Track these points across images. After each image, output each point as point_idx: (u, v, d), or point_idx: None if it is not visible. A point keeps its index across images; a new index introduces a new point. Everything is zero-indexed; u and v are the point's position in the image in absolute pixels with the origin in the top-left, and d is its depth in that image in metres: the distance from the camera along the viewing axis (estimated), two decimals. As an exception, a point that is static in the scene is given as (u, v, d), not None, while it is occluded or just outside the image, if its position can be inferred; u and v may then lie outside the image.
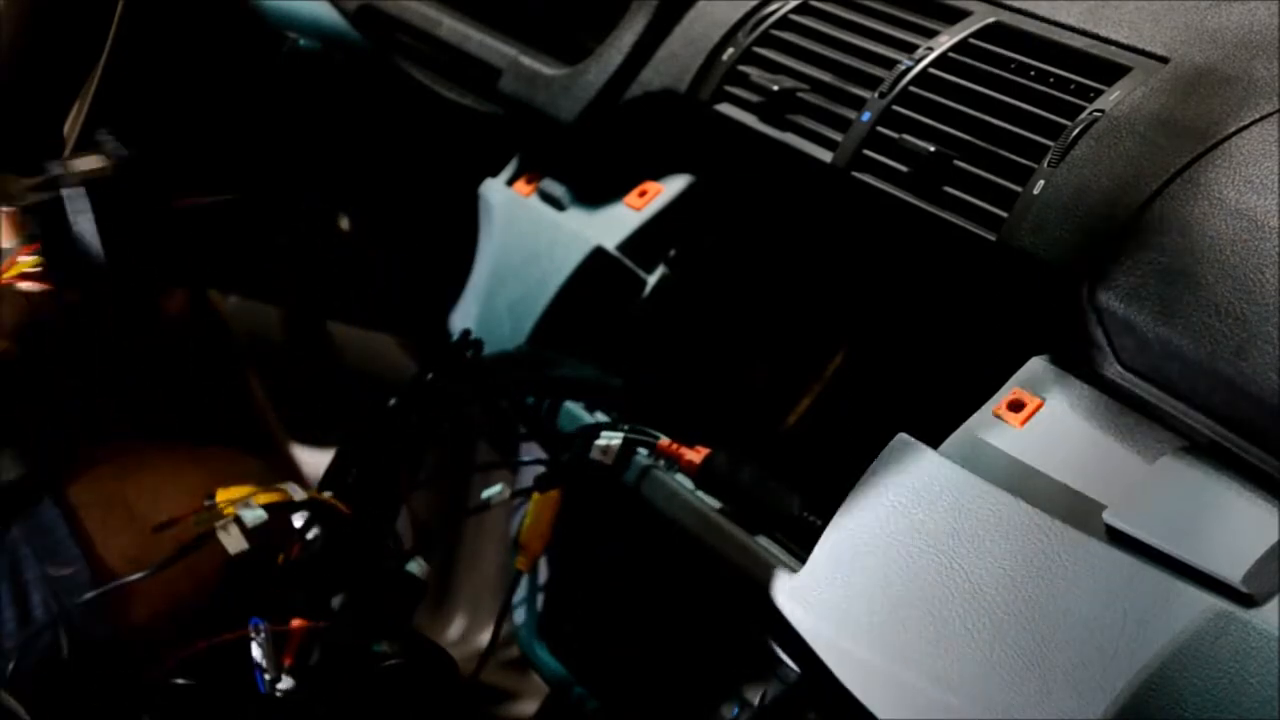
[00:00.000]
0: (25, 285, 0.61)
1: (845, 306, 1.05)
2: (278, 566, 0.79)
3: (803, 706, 0.86)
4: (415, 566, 0.85)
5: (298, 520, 0.82)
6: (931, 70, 0.89)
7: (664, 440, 0.88)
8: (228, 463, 1.14)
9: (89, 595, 0.87)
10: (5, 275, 0.62)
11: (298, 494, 0.81)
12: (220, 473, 1.10)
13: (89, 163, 0.63)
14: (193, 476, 1.05)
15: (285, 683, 0.78)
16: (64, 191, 0.61)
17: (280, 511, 0.81)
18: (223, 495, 0.82)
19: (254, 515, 0.78)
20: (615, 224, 1.06)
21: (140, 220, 0.63)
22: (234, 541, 0.77)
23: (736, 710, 0.92)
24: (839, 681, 0.77)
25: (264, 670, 0.79)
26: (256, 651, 0.78)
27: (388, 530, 0.84)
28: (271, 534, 0.81)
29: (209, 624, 0.80)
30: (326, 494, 0.83)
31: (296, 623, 0.79)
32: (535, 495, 0.93)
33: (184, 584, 0.87)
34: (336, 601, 0.80)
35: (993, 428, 0.77)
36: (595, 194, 1.10)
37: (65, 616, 0.94)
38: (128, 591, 0.92)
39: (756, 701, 0.91)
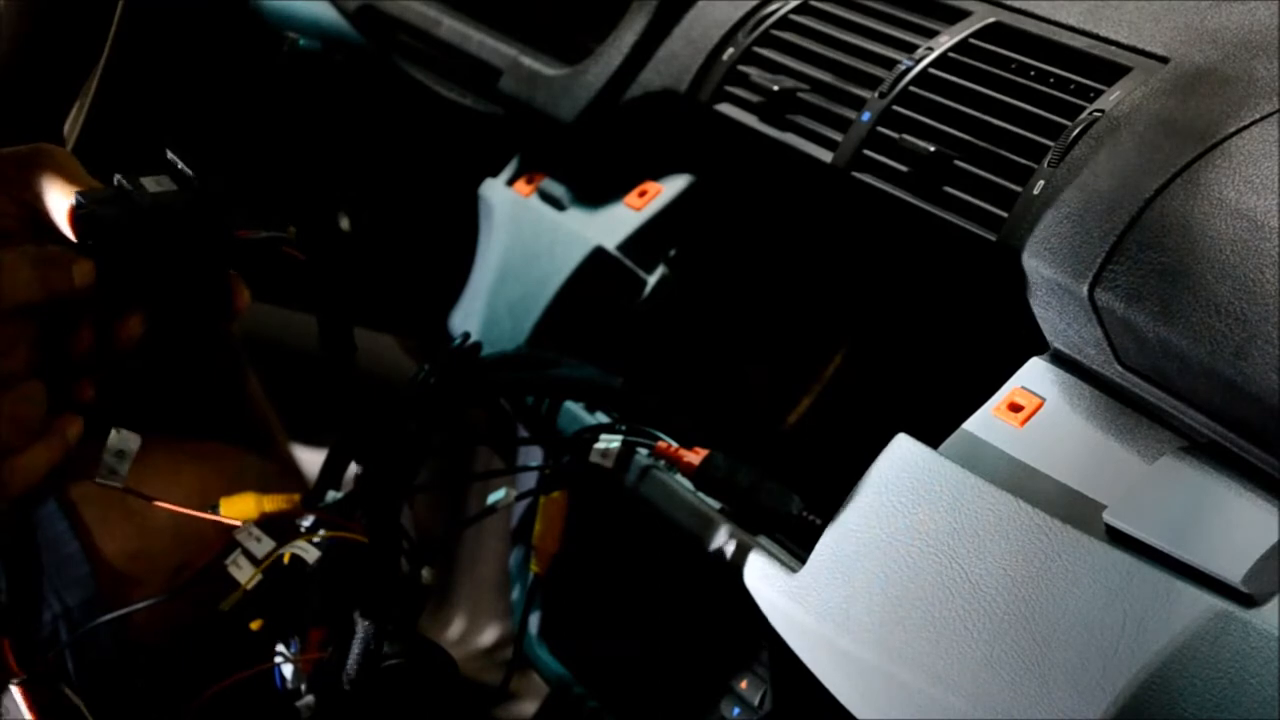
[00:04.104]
0: None
1: (845, 306, 1.05)
2: (287, 572, 0.79)
3: (802, 706, 0.86)
4: (424, 572, 0.85)
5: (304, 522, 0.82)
6: (931, 70, 0.89)
7: (662, 442, 0.88)
8: (227, 460, 1.15)
9: (97, 621, 0.87)
10: None
11: (306, 520, 0.82)
12: (220, 470, 1.11)
13: (159, 183, 0.63)
14: (192, 473, 1.06)
15: (307, 699, 0.79)
16: (127, 208, 0.62)
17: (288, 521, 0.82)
18: (226, 508, 0.82)
19: (263, 549, 0.79)
20: (615, 224, 1.06)
21: (201, 247, 0.64)
22: (244, 574, 0.79)
23: (737, 710, 0.92)
24: (832, 683, 0.78)
25: (288, 688, 0.79)
26: (288, 670, 0.79)
27: (398, 545, 0.84)
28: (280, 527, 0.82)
29: (214, 632, 0.80)
30: (328, 503, 0.83)
31: (315, 633, 0.79)
32: (543, 499, 0.93)
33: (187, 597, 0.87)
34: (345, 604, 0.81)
35: (993, 428, 0.77)
36: (595, 194, 1.10)
37: (69, 620, 0.94)
38: (131, 599, 0.92)
39: (757, 702, 0.91)
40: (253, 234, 0.66)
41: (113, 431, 0.73)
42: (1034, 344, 0.81)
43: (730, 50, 1.00)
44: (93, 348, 0.64)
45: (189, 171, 0.63)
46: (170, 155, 0.64)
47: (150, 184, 0.63)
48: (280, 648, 0.80)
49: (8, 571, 0.78)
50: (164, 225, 0.62)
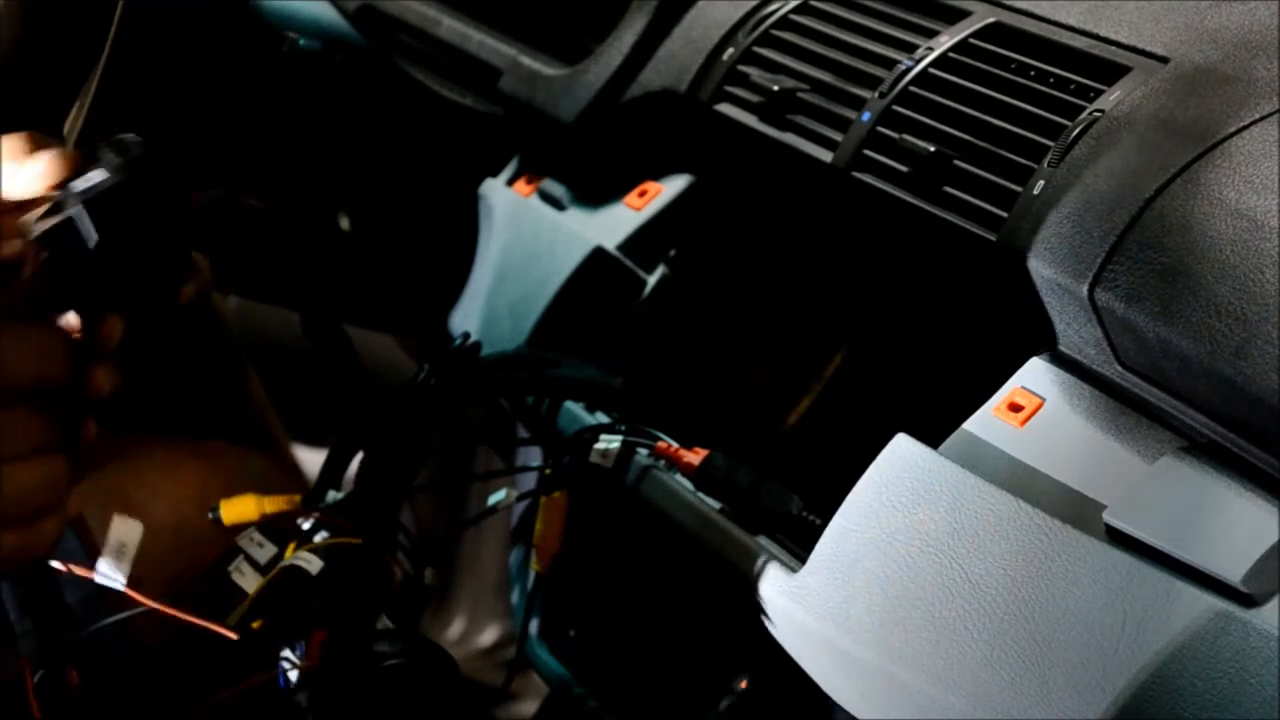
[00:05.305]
0: None
1: (845, 306, 1.05)
2: (290, 577, 0.80)
3: (801, 705, 0.86)
4: (425, 572, 0.85)
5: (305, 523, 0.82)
6: (931, 70, 0.89)
7: (662, 442, 0.88)
8: (228, 459, 1.14)
9: (100, 624, 0.87)
10: None
11: (306, 523, 0.82)
12: (220, 469, 1.11)
13: (89, 179, 0.63)
14: (192, 471, 1.05)
15: (309, 700, 0.79)
16: (69, 213, 0.61)
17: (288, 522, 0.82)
18: (227, 510, 0.82)
19: (266, 554, 0.80)
20: (615, 224, 1.06)
21: (157, 219, 0.64)
22: (248, 581, 0.79)
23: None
24: (832, 684, 0.78)
25: (292, 689, 0.80)
26: (293, 674, 0.79)
27: (394, 545, 0.84)
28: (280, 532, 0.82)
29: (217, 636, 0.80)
30: (329, 504, 0.83)
31: (318, 635, 0.80)
32: (543, 499, 0.93)
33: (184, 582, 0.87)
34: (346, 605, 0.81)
35: (993, 428, 0.77)
36: (595, 194, 1.10)
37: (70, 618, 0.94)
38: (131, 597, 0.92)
39: (755, 701, 0.91)
40: (204, 195, 0.66)
41: (115, 519, 0.73)
42: (1034, 344, 0.81)
43: (730, 50, 1.00)
44: (96, 385, 0.63)
45: (113, 155, 0.63)
46: (100, 150, 0.63)
47: (79, 184, 0.62)
48: (285, 652, 0.80)
49: (26, 594, 0.78)
50: (101, 213, 0.62)
